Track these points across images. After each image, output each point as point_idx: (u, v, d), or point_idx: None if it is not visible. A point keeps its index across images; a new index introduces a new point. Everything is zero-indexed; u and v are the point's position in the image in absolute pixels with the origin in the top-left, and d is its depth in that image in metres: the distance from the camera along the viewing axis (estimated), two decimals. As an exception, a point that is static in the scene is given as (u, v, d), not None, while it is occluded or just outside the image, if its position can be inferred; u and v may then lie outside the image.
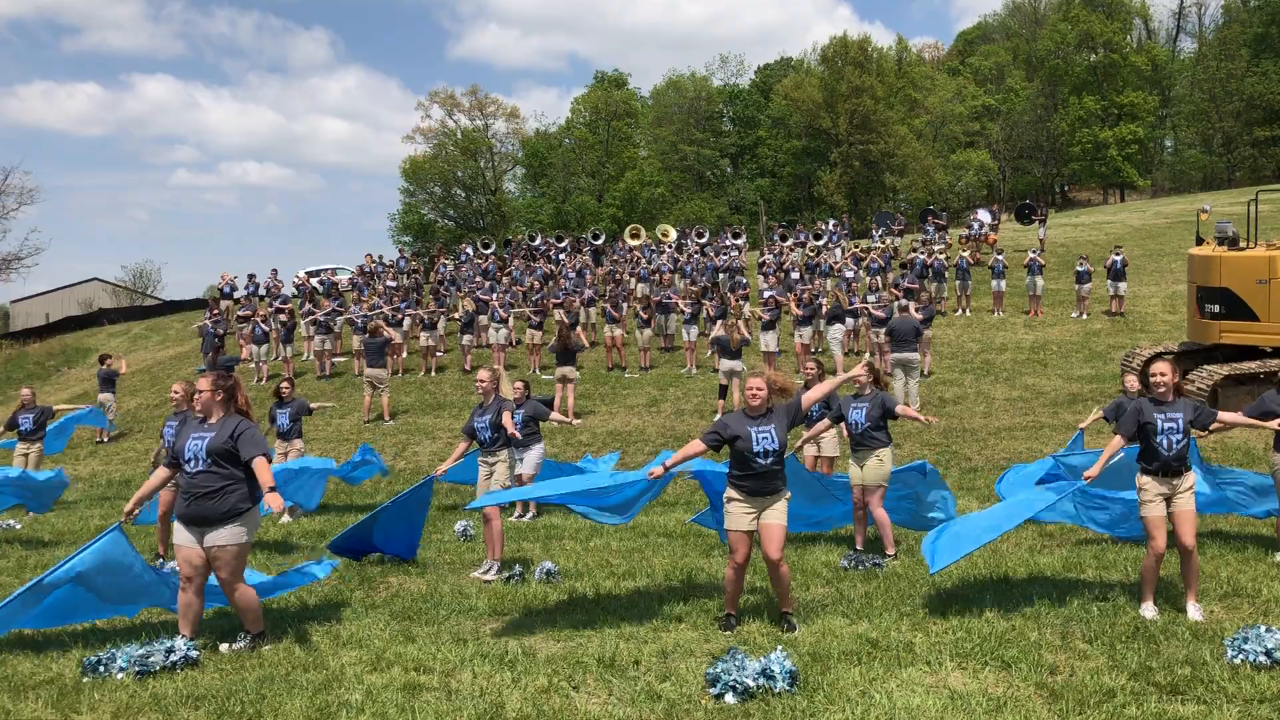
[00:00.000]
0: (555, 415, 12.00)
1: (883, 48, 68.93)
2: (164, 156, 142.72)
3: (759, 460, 6.91)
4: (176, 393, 9.62)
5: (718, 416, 17.22)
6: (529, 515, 12.34)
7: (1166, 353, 16.23)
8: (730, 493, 7.07)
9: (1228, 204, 33.21)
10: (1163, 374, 7.14)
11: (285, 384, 12.98)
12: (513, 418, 9.62)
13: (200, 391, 6.71)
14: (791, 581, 8.34)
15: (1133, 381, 11.03)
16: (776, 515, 6.99)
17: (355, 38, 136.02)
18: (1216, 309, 15.69)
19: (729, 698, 5.44)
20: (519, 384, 12.20)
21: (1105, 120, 64.48)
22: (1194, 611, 6.90)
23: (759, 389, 7.06)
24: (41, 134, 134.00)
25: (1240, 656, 5.76)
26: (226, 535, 6.52)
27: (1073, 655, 6.11)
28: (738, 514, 7.00)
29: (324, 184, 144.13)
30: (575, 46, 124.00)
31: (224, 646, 6.62)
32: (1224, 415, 7.44)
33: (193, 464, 6.51)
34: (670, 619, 7.34)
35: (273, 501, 6.48)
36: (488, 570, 9.05)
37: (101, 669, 6.10)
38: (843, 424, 9.86)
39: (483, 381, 9.44)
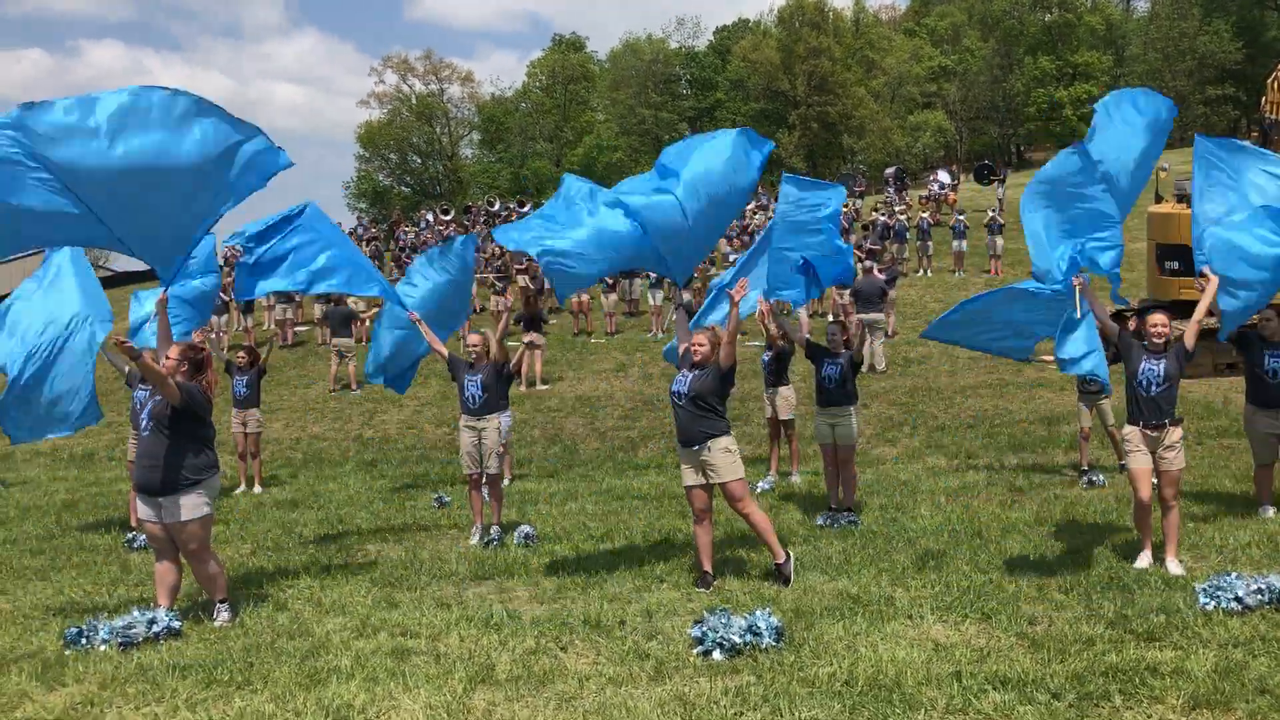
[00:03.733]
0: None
1: (840, 8, 68.81)
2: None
3: (674, 399, 7.21)
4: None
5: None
6: (506, 480, 12.28)
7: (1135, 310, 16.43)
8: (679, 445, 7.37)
9: (1181, 162, 33.56)
10: (1163, 325, 7.28)
11: (242, 354, 12.79)
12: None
13: (166, 358, 6.63)
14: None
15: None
16: (721, 471, 7.06)
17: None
18: (1176, 266, 15.93)
19: (716, 654, 5.50)
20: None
21: (1060, 80, 64.85)
22: (1174, 567, 6.97)
23: (700, 344, 7.25)
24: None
25: (1213, 603, 5.90)
26: (185, 509, 6.40)
27: (1050, 606, 6.23)
28: (684, 470, 7.30)
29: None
30: (534, 7, 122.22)
31: (217, 622, 6.57)
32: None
33: (144, 426, 6.50)
34: (652, 579, 7.39)
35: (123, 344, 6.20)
36: (491, 535, 9.03)
37: (84, 641, 6.05)
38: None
39: (475, 346, 9.25)
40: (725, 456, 7.08)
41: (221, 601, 6.68)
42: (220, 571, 6.77)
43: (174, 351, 6.67)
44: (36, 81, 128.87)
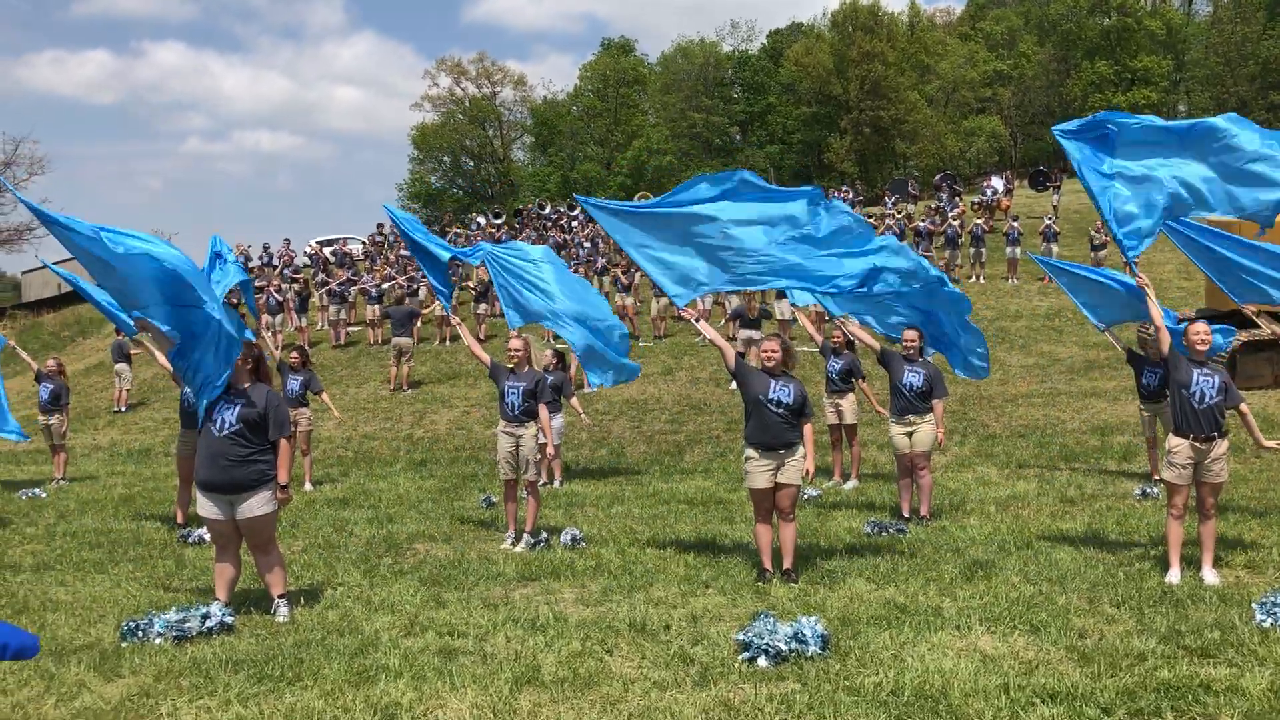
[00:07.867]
0: (575, 403, 12.63)
1: (894, 12, 68.21)
2: (176, 124, 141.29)
3: (770, 408, 7.37)
4: None
5: (733, 385, 17.27)
6: (557, 482, 12.36)
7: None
8: (748, 451, 7.55)
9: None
10: (1206, 334, 7.18)
11: (295, 354, 12.97)
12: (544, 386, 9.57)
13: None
14: (815, 546, 8.45)
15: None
16: (792, 475, 7.47)
17: (368, 1, 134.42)
18: (1234, 275, 15.59)
19: (761, 661, 5.49)
20: (549, 354, 12.26)
21: (1118, 85, 63.83)
22: (1210, 576, 6.97)
23: (774, 351, 7.56)
24: (51, 102, 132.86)
25: (1269, 620, 5.79)
26: (258, 504, 6.60)
27: (1101, 619, 6.15)
28: (756, 473, 7.47)
29: (336, 152, 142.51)
30: (592, 8, 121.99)
31: (278, 618, 6.67)
32: (1245, 408, 7.25)
33: (219, 427, 6.56)
34: (697, 584, 7.39)
35: (283, 498, 6.78)
36: (521, 542, 9.04)
37: (140, 634, 6.18)
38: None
39: (518, 350, 9.15)
40: (800, 464, 7.49)
41: (281, 597, 6.79)
42: (283, 568, 6.90)
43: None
44: (101, 83, 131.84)
